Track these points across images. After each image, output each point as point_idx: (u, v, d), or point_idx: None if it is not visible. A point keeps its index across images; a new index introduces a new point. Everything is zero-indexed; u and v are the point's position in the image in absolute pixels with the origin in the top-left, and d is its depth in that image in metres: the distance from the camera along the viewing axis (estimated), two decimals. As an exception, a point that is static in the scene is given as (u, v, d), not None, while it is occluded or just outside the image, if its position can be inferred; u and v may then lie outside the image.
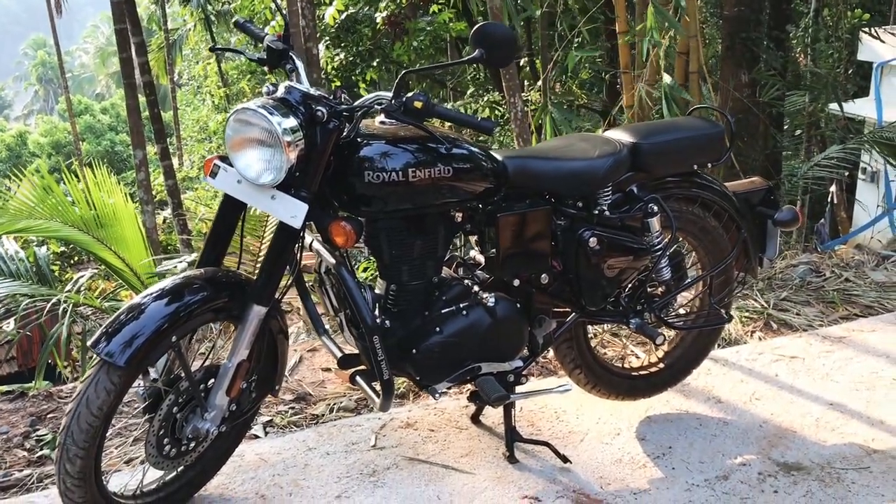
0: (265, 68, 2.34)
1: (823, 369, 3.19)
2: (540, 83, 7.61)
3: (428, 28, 10.54)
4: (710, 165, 2.66)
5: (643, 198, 2.51)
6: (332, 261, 2.21)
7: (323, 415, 3.18)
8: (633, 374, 2.86)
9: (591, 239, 2.39)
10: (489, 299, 2.34)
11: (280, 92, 2.07)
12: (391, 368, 2.32)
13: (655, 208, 2.50)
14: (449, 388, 2.41)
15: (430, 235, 2.29)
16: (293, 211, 2.05)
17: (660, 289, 2.66)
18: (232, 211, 2.21)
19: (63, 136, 27.39)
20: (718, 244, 2.74)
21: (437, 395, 2.33)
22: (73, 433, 1.92)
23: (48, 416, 3.29)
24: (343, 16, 10.03)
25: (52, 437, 3.00)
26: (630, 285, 2.60)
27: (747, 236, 2.75)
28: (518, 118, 6.04)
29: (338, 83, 9.33)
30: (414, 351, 2.29)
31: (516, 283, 2.42)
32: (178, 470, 2.30)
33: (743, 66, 6.95)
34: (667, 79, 5.53)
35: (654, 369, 2.88)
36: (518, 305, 2.41)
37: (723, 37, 7.32)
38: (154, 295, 2.03)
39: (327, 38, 9.91)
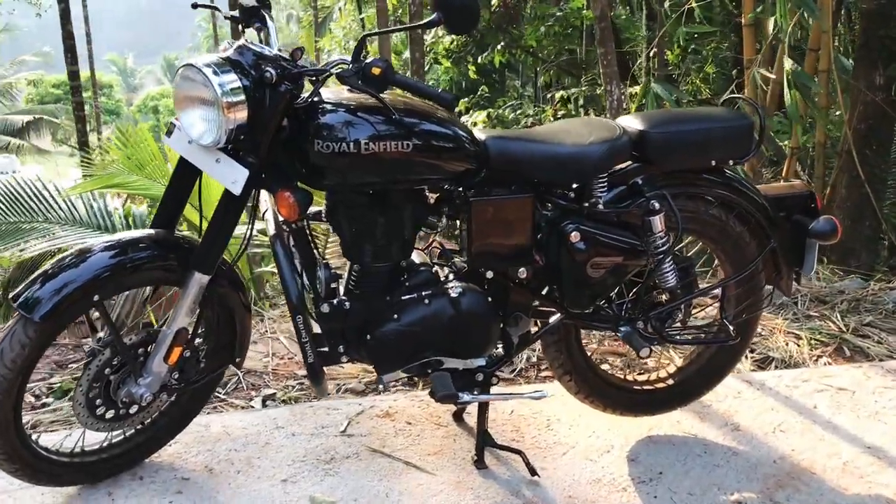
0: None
1: (874, 407, 2.79)
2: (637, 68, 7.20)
3: (558, 13, 10.25)
4: (732, 162, 2.35)
5: (647, 193, 2.25)
6: (272, 231, 2.09)
7: (329, 394, 3.09)
8: (635, 388, 2.59)
9: (574, 233, 2.15)
10: (455, 289, 2.16)
11: (231, 50, 1.97)
12: (352, 353, 2.20)
13: (657, 205, 2.23)
14: (406, 378, 2.24)
15: (394, 215, 2.13)
16: (234, 176, 1.96)
17: (664, 296, 2.38)
18: (188, 173, 2.13)
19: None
20: (742, 252, 2.43)
21: (381, 386, 2.18)
22: None
23: (70, 365, 3.36)
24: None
25: (60, 386, 3.05)
26: (625, 289, 2.35)
27: (776, 246, 2.42)
28: (613, 107, 5.73)
29: (448, 64, 9.20)
30: (369, 336, 2.15)
31: (490, 275, 2.22)
32: (127, 434, 2.27)
33: (879, 67, 6.30)
34: (788, 63, 5.06)
35: (660, 385, 2.60)
36: (489, 299, 2.21)
37: (858, 33, 6.67)
38: (85, 252, 1.99)
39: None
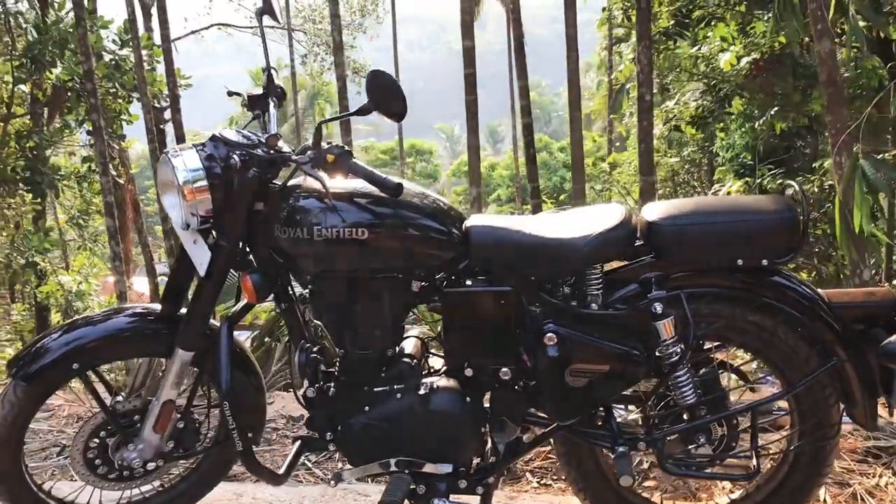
0: None
1: None
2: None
3: (846, 74, 9.30)
4: (765, 262, 1.92)
5: (653, 293, 1.93)
6: (231, 312, 2.11)
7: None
8: (671, 517, 2.21)
9: (548, 335, 1.91)
10: (429, 386, 2.02)
11: (207, 138, 2.05)
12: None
13: (659, 308, 1.90)
14: (369, 477, 2.12)
15: (369, 303, 2.05)
16: (201, 258, 2.03)
17: (685, 415, 2.01)
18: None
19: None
20: (798, 367, 1.98)
21: (333, 482, 2.08)
22: None
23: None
24: (742, 62, 9.27)
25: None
26: (626, 401, 2.03)
27: (845, 365, 1.95)
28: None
29: (693, 132, 8.64)
30: (339, 427, 2.08)
31: (469, 372, 2.04)
32: (146, 495, 2.39)
33: None
34: None
35: (705, 517, 2.19)
36: (466, 399, 2.03)
37: None
38: (74, 323, 2.15)
39: (706, 80, 9.21)
